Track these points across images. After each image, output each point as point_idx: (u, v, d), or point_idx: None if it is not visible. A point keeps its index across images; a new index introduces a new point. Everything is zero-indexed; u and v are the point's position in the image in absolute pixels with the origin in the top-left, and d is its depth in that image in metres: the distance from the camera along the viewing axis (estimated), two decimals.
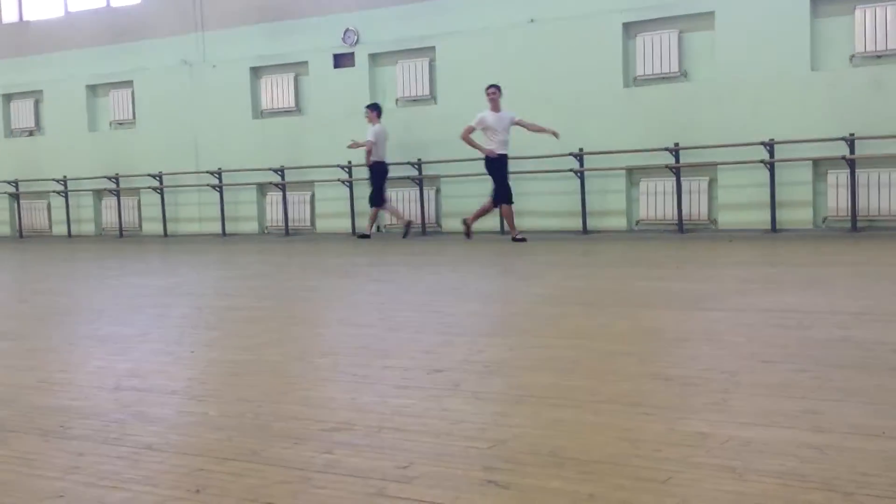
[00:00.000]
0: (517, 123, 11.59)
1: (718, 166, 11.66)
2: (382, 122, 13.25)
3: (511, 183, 11.76)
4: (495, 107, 11.58)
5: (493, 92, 11.61)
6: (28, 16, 17.70)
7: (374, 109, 13.29)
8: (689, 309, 5.34)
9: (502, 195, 11.55)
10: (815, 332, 4.32)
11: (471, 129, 11.62)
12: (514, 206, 11.65)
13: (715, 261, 8.42)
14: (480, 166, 12.98)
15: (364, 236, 13.28)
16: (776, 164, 11.23)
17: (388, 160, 13.28)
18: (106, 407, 3.34)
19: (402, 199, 13.96)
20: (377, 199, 13.27)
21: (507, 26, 13.02)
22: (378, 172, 13.22)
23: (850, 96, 11.02)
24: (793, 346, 3.98)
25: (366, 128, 13.22)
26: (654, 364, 3.77)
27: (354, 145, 13.37)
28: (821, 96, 11.20)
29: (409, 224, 13.17)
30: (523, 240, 11.21)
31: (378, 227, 13.95)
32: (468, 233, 11.95)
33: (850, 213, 10.92)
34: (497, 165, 11.57)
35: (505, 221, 12.03)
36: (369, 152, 13.08)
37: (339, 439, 2.78)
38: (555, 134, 11.48)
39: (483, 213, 11.81)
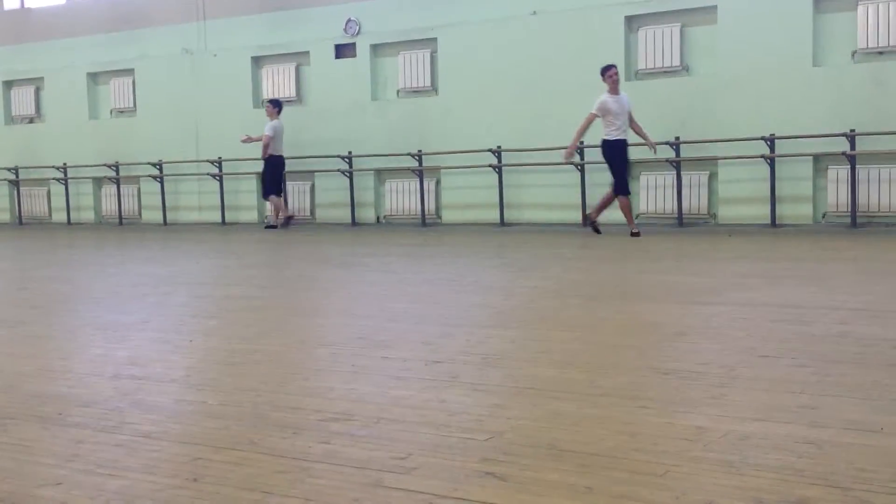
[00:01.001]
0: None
1: (719, 161, 11.65)
2: (281, 117, 13.96)
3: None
4: (615, 89, 10.60)
5: (615, 73, 10.62)
6: (30, 2, 17.66)
7: (276, 105, 13.98)
8: (688, 303, 5.34)
9: (620, 185, 10.65)
10: (814, 327, 4.32)
11: (592, 119, 10.62)
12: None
13: (714, 255, 8.43)
14: (481, 158, 13.02)
15: (288, 220, 13.94)
16: (777, 159, 11.23)
17: (284, 154, 13.98)
18: (104, 395, 3.34)
19: (402, 189, 13.97)
20: (275, 190, 13.96)
21: (509, 18, 13.00)
22: (275, 165, 13.89)
23: (852, 92, 11.01)
24: (792, 341, 3.98)
25: (262, 123, 13.96)
26: (653, 357, 3.78)
27: (248, 140, 14.03)
28: (822, 92, 11.19)
29: (289, 218, 14.00)
30: (638, 234, 10.39)
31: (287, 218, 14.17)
32: (596, 228, 10.90)
33: (850, 209, 10.92)
34: (617, 152, 10.65)
35: (622, 213, 10.92)
36: (266, 146, 13.73)
37: (337, 429, 2.79)
38: (653, 148, 10.91)
39: (605, 204, 10.87)
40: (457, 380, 3.42)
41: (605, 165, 12.35)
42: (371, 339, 4.31)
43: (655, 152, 11.02)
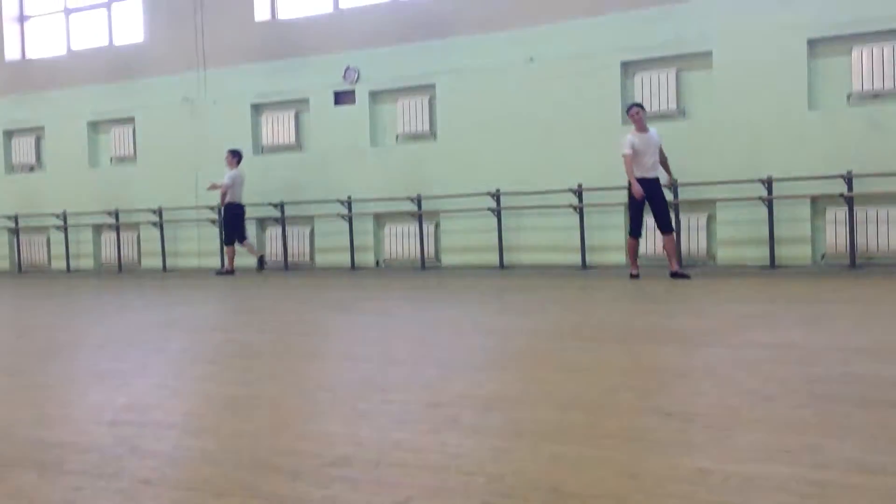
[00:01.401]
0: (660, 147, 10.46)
1: (717, 202, 11.70)
2: (241, 167, 14.40)
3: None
4: (640, 127, 10.39)
5: (637, 111, 10.45)
6: (31, 53, 17.82)
7: (235, 155, 14.42)
8: (689, 344, 5.32)
9: (631, 226, 10.46)
10: (815, 368, 4.31)
11: (627, 159, 10.32)
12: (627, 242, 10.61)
13: (714, 296, 8.42)
14: (479, 201, 13.06)
15: (228, 272, 14.28)
16: (774, 200, 11.27)
17: (244, 202, 14.46)
18: (103, 441, 3.32)
19: (401, 233, 14.00)
20: (239, 237, 14.39)
21: (507, 65, 13.13)
22: (235, 214, 14.33)
23: (848, 135, 11.09)
24: (793, 382, 3.96)
25: (223, 171, 14.41)
26: (655, 399, 3.76)
27: (213, 187, 14.57)
28: (819, 135, 11.26)
29: (262, 259, 14.56)
30: (637, 276, 10.35)
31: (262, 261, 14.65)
32: (682, 275, 10.28)
33: (848, 250, 10.94)
34: (657, 186, 10.40)
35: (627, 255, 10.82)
36: (224, 194, 14.22)
37: (337, 474, 2.76)
38: (669, 183, 10.80)
39: (670, 249, 10.46)
40: (457, 423, 3.40)
41: (602, 209, 12.44)
42: (371, 383, 4.29)
43: (669, 185, 10.87)
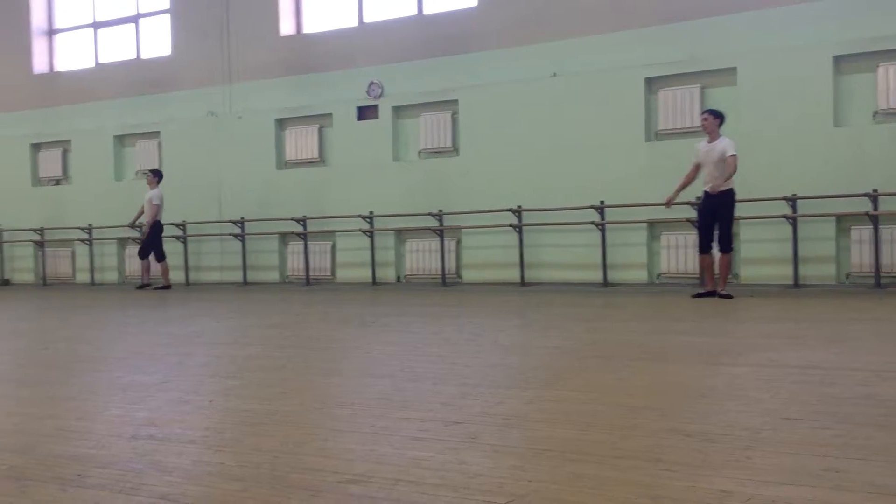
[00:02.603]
0: (729, 158, 9.81)
1: (741, 221, 11.63)
2: (160, 186, 15.01)
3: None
4: (711, 137, 9.99)
5: (705, 118, 10.06)
6: (59, 67, 18.03)
7: (157, 175, 15.10)
8: (710, 364, 5.29)
9: (699, 240, 10.18)
10: (837, 388, 4.27)
11: (694, 169, 10.10)
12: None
13: (737, 315, 8.36)
14: (501, 218, 13.06)
15: (165, 287, 14.91)
16: (799, 219, 11.19)
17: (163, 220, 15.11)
18: (123, 456, 3.33)
19: (422, 249, 14.01)
20: (159, 255, 15.00)
21: (530, 80, 13.14)
22: (157, 232, 14.94)
23: (873, 152, 11.01)
24: (815, 403, 3.93)
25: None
26: (675, 419, 3.73)
27: (135, 223, 15.43)
28: (844, 152, 11.19)
29: (147, 285, 15.13)
30: (699, 295, 10.03)
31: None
32: (721, 295, 9.90)
33: (873, 270, 10.84)
34: (701, 205, 10.23)
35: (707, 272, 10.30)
36: (155, 214, 14.82)
37: (355, 491, 2.76)
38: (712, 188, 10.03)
39: (722, 270, 10.08)
40: (476, 441, 3.39)
41: (624, 227, 12.38)
42: (390, 400, 4.29)
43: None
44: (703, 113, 10.31)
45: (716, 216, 9.99)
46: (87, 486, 2.92)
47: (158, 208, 14.85)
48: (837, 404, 3.89)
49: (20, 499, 2.82)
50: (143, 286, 15.19)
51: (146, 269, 15.27)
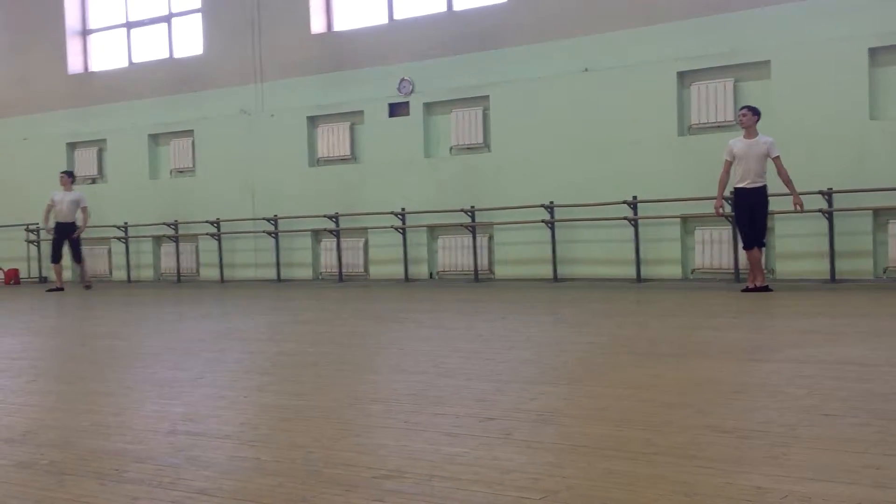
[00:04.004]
0: (775, 160, 9.84)
1: (776, 215, 11.51)
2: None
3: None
4: (747, 133, 9.95)
5: (744, 114, 10.01)
6: (93, 67, 18.22)
7: (71, 176, 15.41)
8: (745, 360, 5.25)
9: (744, 237, 10.08)
10: (875, 384, 4.22)
11: (728, 166, 10.00)
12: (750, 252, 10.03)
13: (772, 311, 8.29)
14: (533, 213, 13.04)
15: (59, 289, 14.91)
16: (835, 213, 11.07)
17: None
18: (160, 451, 3.37)
19: (455, 245, 14.01)
20: (59, 256, 15.10)
21: (561, 75, 13.09)
22: (71, 233, 15.07)
23: None
24: (853, 400, 3.89)
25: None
26: (711, 416, 3.71)
27: (82, 230, 15.24)
28: (880, 145, 11.04)
29: (60, 289, 14.99)
30: (755, 289, 9.88)
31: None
32: (760, 289, 9.90)
33: None
34: (736, 201, 10.11)
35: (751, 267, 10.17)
36: (87, 215, 15.10)
37: (389, 487, 2.77)
38: (799, 206, 10.02)
39: (755, 266, 10.02)
40: (510, 437, 3.39)
41: (657, 222, 12.31)
42: (424, 396, 4.30)
43: (800, 209, 10.10)
44: (742, 109, 10.26)
45: (754, 211, 9.98)
46: (125, 481, 2.96)
47: (87, 208, 15.09)
48: (875, 400, 3.85)
49: (59, 493, 2.86)
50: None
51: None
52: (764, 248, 10.31)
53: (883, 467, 2.80)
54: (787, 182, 9.92)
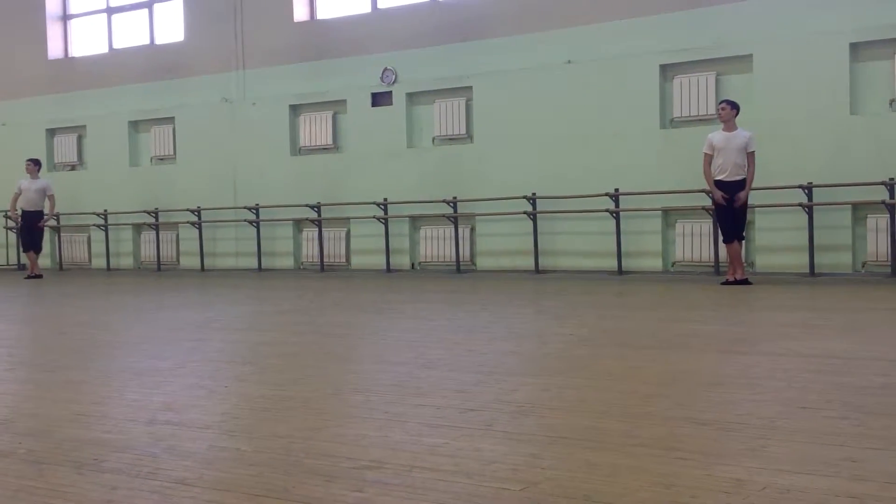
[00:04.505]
0: (749, 154, 9.94)
1: (756, 209, 11.57)
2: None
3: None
4: (727, 126, 10.01)
5: (723, 108, 10.07)
6: (74, 52, 18.07)
7: (38, 164, 15.18)
8: (725, 352, 5.28)
9: (723, 230, 10.16)
10: (854, 378, 4.25)
11: (708, 159, 10.01)
12: (732, 245, 10.08)
13: (751, 304, 8.34)
14: (516, 205, 13.04)
15: (37, 276, 14.73)
16: (815, 207, 11.14)
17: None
18: (140, 441, 3.36)
19: (436, 236, 14.00)
20: (37, 245, 15.03)
21: (544, 67, 13.09)
22: (37, 222, 14.95)
23: (890, 140, 10.92)
24: (832, 393, 3.92)
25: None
26: (690, 408, 3.73)
27: (50, 216, 15.20)
28: (860, 140, 11.11)
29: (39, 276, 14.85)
30: (728, 282, 9.96)
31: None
32: (743, 280, 9.98)
33: (889, 258, 10.78)
34: (736, 191, 9.98)
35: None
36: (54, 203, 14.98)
37: (370, 477, 2.77)
38: (737, 202, 9.92)
39: (735, 259, 10.07)
40: (491, 428, 3.40)
41: (639, 214, 12.35)
42: (405, 387, 4.30)
43: (736, 204, 9.98)
44: (722, 102, 10.31)
45: (741, 206, 10.03)
46: (104, 471, 2.95)
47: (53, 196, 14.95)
48: (853, 394, 3.88)
49: (37, 482, 2.85)
50: (30, 277, 14.80)
51: (34, 262, 15.03)
52: (743, 241, 10.38)
53: (860, 460, 2.82)
54: (750, 178, 10.00)
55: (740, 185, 9.99)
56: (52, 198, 14.96)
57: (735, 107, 10.13)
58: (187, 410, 3.90)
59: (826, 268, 11.22)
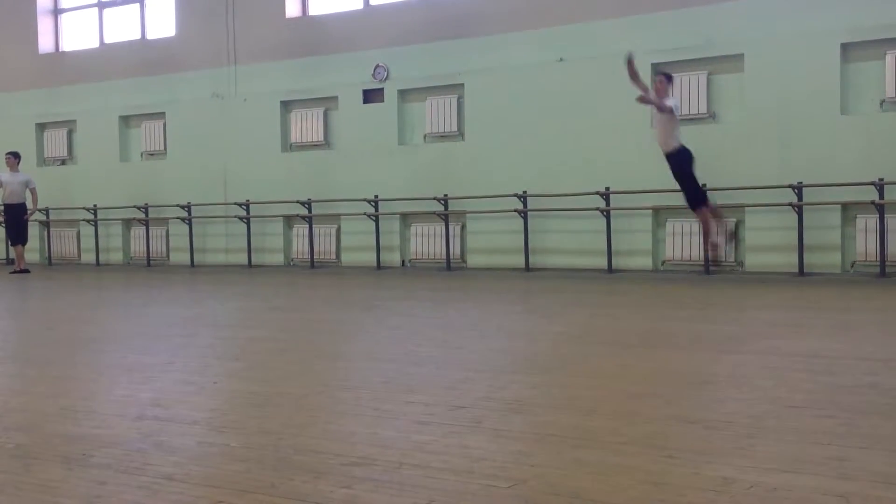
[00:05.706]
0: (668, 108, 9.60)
1: (746, 208, 11.61)
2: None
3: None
4: (658, 92, 9.75)
5: (660, 80, 9.84)
6: (64, 46, 17.99)
7: (18, 157, 15.13)
8: (714, 351, 5.29)
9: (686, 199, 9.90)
10: (842, 377, 4.27)
11: (645, 89, 9.65)
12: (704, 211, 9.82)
13: (741, 303, 8.36)
14: (506, 203, 13.04)
15: (24, 271, 14.64)
16: (805, 207, 11.17)
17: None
18: (128, 436, 3.35)
19: (427, 234, 14.00)
20: (25, 238, 15.04)
21: (536, 65, 13.09)
22: (22, 215, 14.93)
23: (880, 141, 10.96)
24: (819, 392, 3.93)
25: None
26: (679, 406, 3.74)
27: (33, 211, 15.14)
28: (850, 140, 11.14)
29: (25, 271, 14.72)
30: (714, 245, 9.89)
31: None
32: (718, 255, 10.20)
33: (878, 258, 10.82)
34: (673, 162, 9.75)
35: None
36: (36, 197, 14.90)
37: (359, 474, 2.77)
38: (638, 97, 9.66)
39: (706, 224, 9.83)
40: (480, 426, 3.40)
41: (629, 213, 12.36)
42: (394, 384, 4.30)
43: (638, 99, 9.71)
44: (659, 75, 10.06)
45: (682, 175, 9.71)
46: (92, 466, 2.94)
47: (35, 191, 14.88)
48: (842, 393, 3.90)
49: (25, 477, 2.84)
50: (16, 272, 14.64)
51: (21, 256, 14.93)
52: (714, 204, 10.01)
53: (847, 459, 2.83)
54: (645, 89, 9.67)
55: (673, 157, 9.65)
56: (34, 191, 14.89)
57: (669, 79, 9.94)
58: (176, 406, 3.89)
59: (815, 267, 11.25)
